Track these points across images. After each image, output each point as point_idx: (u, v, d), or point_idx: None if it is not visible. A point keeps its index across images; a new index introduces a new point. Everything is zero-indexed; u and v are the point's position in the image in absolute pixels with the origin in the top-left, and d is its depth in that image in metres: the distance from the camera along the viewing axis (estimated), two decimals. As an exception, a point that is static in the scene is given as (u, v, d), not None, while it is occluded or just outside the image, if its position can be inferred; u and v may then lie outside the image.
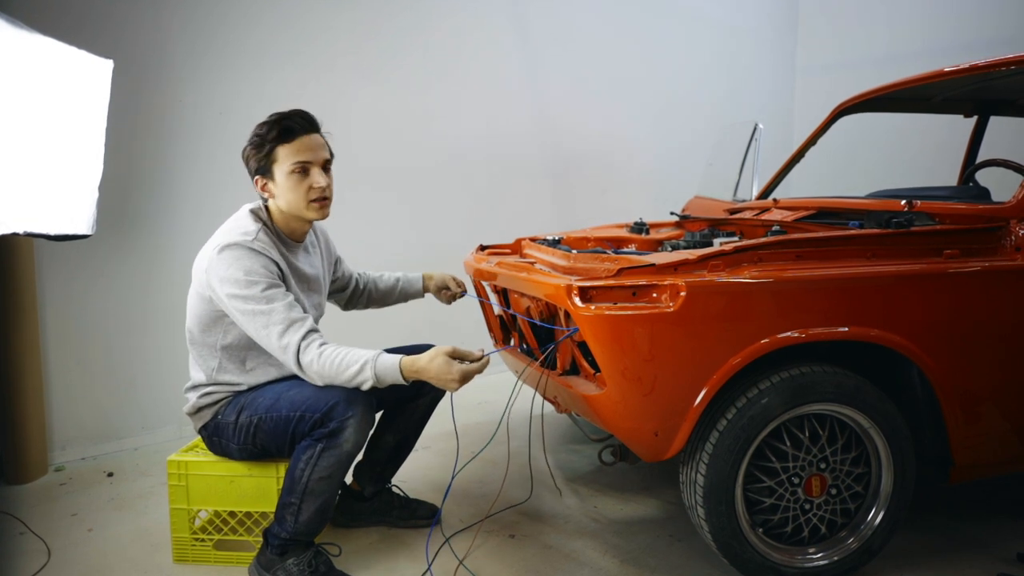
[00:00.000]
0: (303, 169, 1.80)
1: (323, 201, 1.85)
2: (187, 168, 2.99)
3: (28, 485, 2.56)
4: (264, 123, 1.80)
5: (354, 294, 2.33)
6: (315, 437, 1.72)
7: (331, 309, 2.27)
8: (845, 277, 1.68)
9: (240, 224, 1.81)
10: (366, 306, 2.38)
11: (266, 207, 1.90)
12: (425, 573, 1.90)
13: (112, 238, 2.79)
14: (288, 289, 1.82)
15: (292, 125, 1.78)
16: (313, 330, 1.73)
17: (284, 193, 1.81)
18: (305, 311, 1.92)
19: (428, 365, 1.66)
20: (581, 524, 2.20)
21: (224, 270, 1.71)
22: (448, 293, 2.38)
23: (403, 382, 1.69)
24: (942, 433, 1.81)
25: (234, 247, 1.73)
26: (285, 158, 1.78)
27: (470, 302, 2.70)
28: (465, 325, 3.26)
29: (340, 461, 1.73)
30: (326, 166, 1.86)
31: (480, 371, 1.70)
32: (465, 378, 1.67)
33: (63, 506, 2.38)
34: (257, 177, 1.83)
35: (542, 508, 2.31)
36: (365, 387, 1.70)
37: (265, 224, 1.84)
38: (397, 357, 1.69)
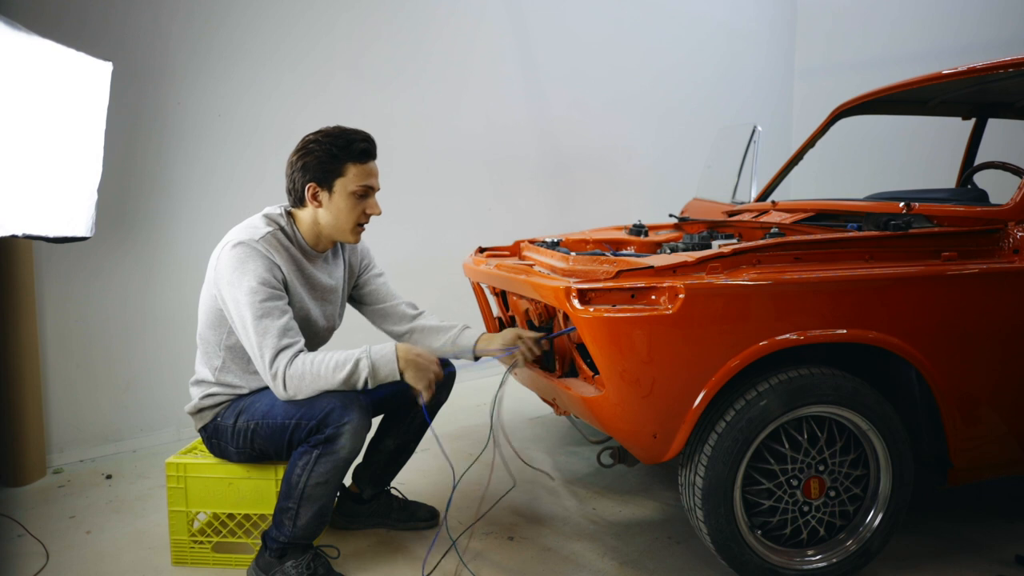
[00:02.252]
0: (366, 193, 1.84)
1: (364, 228, 1.90)
2: (186, 170, 2.99)
3: (26, 487, 2.56)
4: (341, 135, 1.80)
5: (394, 318, 2.13)
6: (311, 443, 1.72)
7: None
8: (843, 279, 1.68)
9: (251, 223, 1.83)
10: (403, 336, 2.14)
11: (288, 212, 1.88)
12: None
13: (111, 240, 2.79)
14: (291, 295, 1.82)
15: (370, 148, 1.83)
16: (301, 351, 1.74)
17: (336, 209, 1.82)
18: (311, 321, 1.92)
19: (411, 346, 1.80)
20: (580, 526, 2.20)
21: (230, 272, 1.72)
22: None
23: (396, 373, 1.74)
24: (940, 435, 1.81)
25: (240, 246, 1.73)
26: (354, 177, 1.80)
27: (468, 301, 2.70)
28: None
29: (337, 467, 1.73)
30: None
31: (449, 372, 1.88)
32: (442, 364, 1.83)
33: (61, 508, 2.37)
34: (312, 184, 1.80)
35: (541, 510, 2.31)
36: (361, 381, 1.71)
37: (282, 228, 1.83)
38: (391, 342, 1.78)
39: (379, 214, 1.87)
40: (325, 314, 1.97)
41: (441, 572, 1.93)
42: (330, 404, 1.70)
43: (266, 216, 1.85)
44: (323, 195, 1.81)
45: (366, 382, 1.72)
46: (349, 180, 1.80)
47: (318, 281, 1.92)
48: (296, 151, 1.82)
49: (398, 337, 2.12)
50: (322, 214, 1.84)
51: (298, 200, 1.85)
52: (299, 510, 1.74)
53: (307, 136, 1.83)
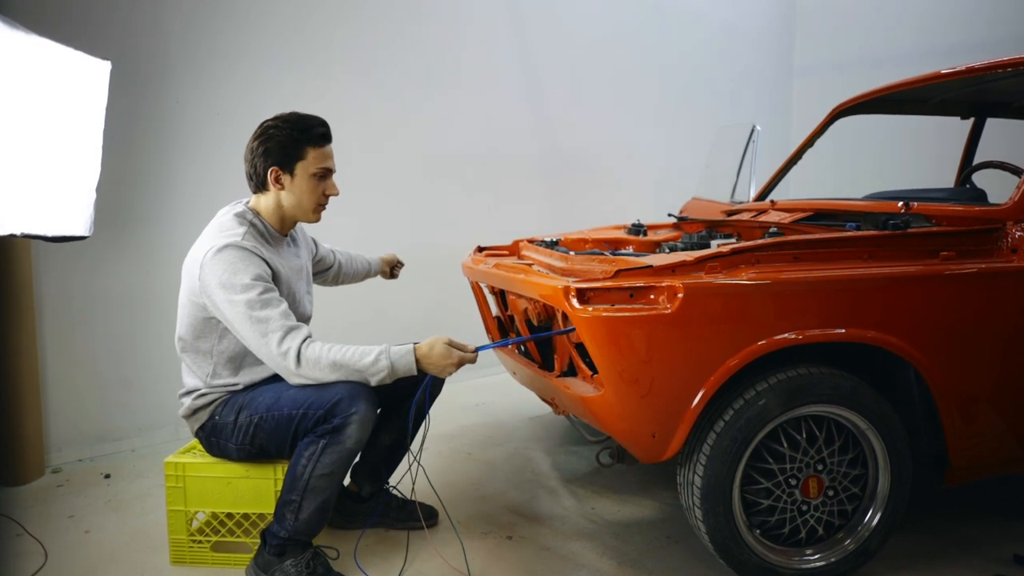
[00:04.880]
0: (324, 174, 1.89)
1: (324, 208, 1.94)
2: (184, 169, 2.99)
3: (25, 487, 2.56)
4: (299, 120, 1.85)
5: (337, 272, 2.43)
6: (318, 433, 1.72)
7: (321, 308, 2.27)
8: (842, 279, 1.69)
9: (224, 225, 1.83)
10: (337, 284, 2.48)
11: (248, 206, 1.91)
12: None
13: (109, 239, 2.78)
14: (280, 287, 1.84)
15: (327, 132, 1.89)
16: (310, 335, 1.75)
17: (299, 192, 1.87)
18: (300, 302, 1.96)
19: (430, 351, 1.76)
20: (579, 525, 2.20)
21: (220, 275, 1.71)
22: (392, 269, 2.63)
23: (414, 371, 1.75)
24: (939, 435, 1.82)
25: (227, 249, 1.73)
26: (314, 160, 1.86)
27: (467, 301, 2.70)
28: (461, 326, 3.26)
29: (342, 458, 1.74)
30: None
31: (473, 361, 1.82)
32: (460, 364, 1.79)
33: (60, 508, 2.37)
34: (274, 168, 1.84)
35: (540, 509, 2.31)
36: (378, 377, 1.72)
37: (252, 224, 1.85)
38: (409, 344, 1.77)
39: (337, 195, 1.94)
40: (306, 291, 2.03)
41: (438, 572, 1.93)
42: (338, 394, 1.71)
43: (236, 216, 1.86)
44: (285, 178, 1.86)
45: (384, 376, 1.73)
46: (309, 163, 1.86)
47: (293, 264, 1.97)
48: (255, 137, 1.86)
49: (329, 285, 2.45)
50: (285, 196, 1.88)
51: (260, 184, 1.88)
52: (302, 503, 1.75)
53: (265, 122, 1.87)
